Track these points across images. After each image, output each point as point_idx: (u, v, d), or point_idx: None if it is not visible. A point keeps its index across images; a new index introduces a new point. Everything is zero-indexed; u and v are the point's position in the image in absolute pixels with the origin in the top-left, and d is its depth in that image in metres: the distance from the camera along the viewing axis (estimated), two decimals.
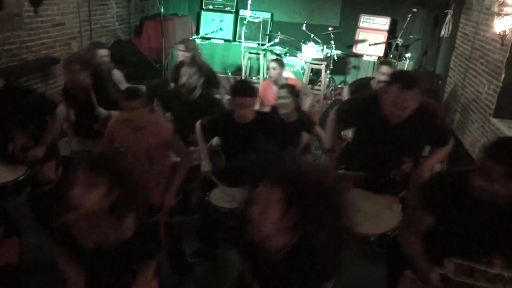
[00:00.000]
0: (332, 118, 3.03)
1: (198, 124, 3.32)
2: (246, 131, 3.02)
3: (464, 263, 1.76)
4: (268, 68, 4.76)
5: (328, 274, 1.74)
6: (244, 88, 3.05)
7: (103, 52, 4.56)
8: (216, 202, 2.88)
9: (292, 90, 3.74)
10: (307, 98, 4.67)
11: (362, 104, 2.88)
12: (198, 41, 7.60)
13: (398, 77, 2.54)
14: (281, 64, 4.58)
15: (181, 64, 4.72)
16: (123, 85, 4.43)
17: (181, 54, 4.68)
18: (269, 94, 4.55)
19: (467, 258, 1.82)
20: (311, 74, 7.10)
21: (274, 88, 4.47)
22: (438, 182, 2.04)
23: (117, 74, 4.55)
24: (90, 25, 6.01)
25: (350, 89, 4.69)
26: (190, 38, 5.25)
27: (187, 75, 3.72)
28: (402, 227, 2.13)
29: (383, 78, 4.12)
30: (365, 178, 2.81)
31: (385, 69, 4.26)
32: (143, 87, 5.04)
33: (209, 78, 4.43)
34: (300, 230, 1.49)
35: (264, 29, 8.10)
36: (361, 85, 4.66)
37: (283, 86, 3.85)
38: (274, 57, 6.32)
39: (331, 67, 7.14)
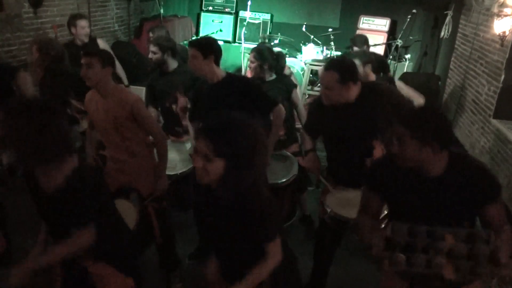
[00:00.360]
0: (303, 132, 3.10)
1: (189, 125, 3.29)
2: (215, 91, 2.97)
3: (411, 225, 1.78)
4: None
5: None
6: (196, 41, 3.07)
7: (83, 23, 4.64)
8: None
9: (261, 53, 3.71)
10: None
11: (312, 107, 2.98)
12: None
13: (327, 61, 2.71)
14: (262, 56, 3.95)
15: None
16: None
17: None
18: None
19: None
20: (311, 75, 7.09)
21: None
22: (380, 162, 2.11)
23: (102, 44, 4.75)
24: (89, 26, 6.01)
25: None
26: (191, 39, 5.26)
27: (151, 51, 3.76)
28: (357, 212, 2.16)
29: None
30: (344, 175, 2.83)
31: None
32: (143, 88, 5.06)
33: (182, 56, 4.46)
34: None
35: (264, 30, 8.11)
36: None
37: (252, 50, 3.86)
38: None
39: None
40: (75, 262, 2.00)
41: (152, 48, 3.74)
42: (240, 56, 7.19)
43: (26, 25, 4.89)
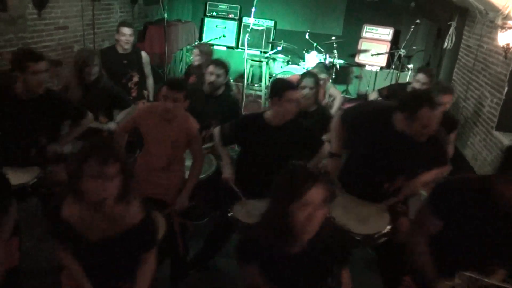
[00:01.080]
0: (337, 122, 3.02)
1: (217, 129, 3.24)
2: (278, 135, 2.94)
3: (476, 276, 1.74)
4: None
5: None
6: (289, 83, 3.05)
7: (126, 31, 4.68)
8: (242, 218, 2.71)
9: (317, 80, 3.70)
10: (335, 100, 4.68)
11: (372, 114, 2.85)
12: None
13: (427, 99, 2.55)
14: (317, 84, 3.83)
15: (190, 69, 4.86)
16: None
17: (196, 59, 4.75)
18: None
19: (472, 266, 1.82)
20: None
21: None
22: (448, 186, 2.02)
23: (146, 57, 4.86)
24: (93, 28, 6.00)
25: (382, 93, 4.64)
26: (204, 42, 5.28)
27: (215, 75, 3.75)
28: (410, 234, 2.12)
29: (417, 85, 4.15)
30: (357, 187, 2.81)
31: (420, 77, 4.24)
32: (146, 92, 5.07)
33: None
34: None
35: (267, 37, 8.12)
36: (395, 90, 4.63)
37: (304, 75, 3.80)
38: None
39: (333, 76, 7.13)
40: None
41: (217, 70, 3.73)
42: (242, 62, 7.18)
43: (29, 26, 4.88)
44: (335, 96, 4.99)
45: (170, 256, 3.15)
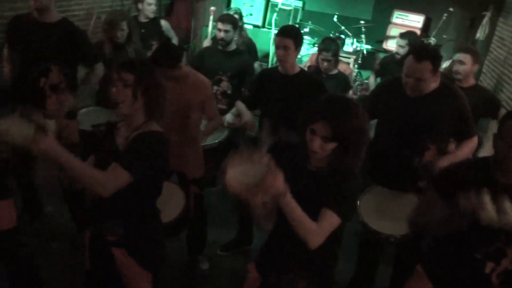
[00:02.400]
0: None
1: (238, 101, 3.31)
2: (289, 83, 2.98)
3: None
4: None
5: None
6: (289, 30, 3.03)
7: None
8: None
9: (337, 45, 3.88)
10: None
11: (383, 86, 2.94)
12: None
13: (413, 50, 2.67)
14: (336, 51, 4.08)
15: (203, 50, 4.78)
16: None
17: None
18: None
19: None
20: None
21: None
22: (458, 165, 2.03)
23: (165, 24, 4.93)
24: (121, 0, 6.02)
25: (374, 68, 4.99)
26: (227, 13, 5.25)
27: (223, 31, 3.86)
28: (416, 216, 2.07)
29: (401, 51, 4.42)
30: (387, 171, 2.77)
31: (400, 41, 4.47)
32: None
33: (249, 48, 4.77)
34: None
35: (295, 17, 7.98)
36: (385, 63, 4.74)
37: (325, 39, 4.01)
38: None
39: (359, 62, 7.02)
40: (103, 243, 2.03)
41: (225, 26, 3.82)
42: (268, 42, 7.11)
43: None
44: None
45: (189, 227, 3.17)
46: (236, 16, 4.67)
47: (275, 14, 7.29)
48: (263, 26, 8.24)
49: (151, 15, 4.79)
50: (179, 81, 2.84)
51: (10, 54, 3.37)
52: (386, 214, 2.54)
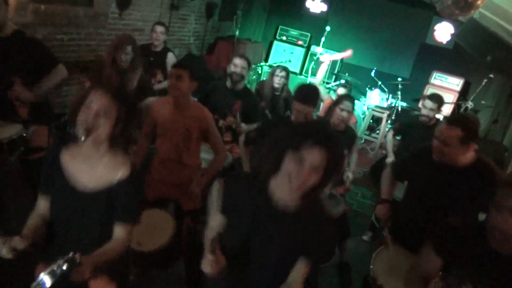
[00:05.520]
0: (389, 170, 2.96)
1: (241, 138, 3.33)
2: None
3: None
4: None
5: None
6: (299, 95, 3.00)
7: (159, 29, 4.74)
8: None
9: (353, 104, 3.74)
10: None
11: (415, 154, 2.79)
12: (266, 68, 7.72)
13: (450, 115, 2.54)
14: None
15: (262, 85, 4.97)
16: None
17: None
18: None
19: None
20: (371, 121, 6.97)
21: None
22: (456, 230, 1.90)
23: (172, 58, 4.75)
24: (166, 34, 6.27)
25: (394, 127, 4.76)
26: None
27: (239, 67, 3.86)
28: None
29: (425, 112, 4.25)
30: (409, 234, 2.67)
31: (428, 103, 4.23)
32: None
33: (286, 102, 4.70)
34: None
35: (332, 68, 8.10)
36: (405, 123, 4.68)
37: (344, 97, 3.79)
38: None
39: (393, 118, 6.98)
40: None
41: (242, 62, 3.86)
42: None
43: (109, 24, 5.17)
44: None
45: (184, 259, 3.11)
46: (284, 72, 4.73)
47: (312, 62, 7.41)
48: (300, 73, 8.38)
49: (158, 45, 4.80)
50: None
51: None
52: (398, 272, 2.44)
